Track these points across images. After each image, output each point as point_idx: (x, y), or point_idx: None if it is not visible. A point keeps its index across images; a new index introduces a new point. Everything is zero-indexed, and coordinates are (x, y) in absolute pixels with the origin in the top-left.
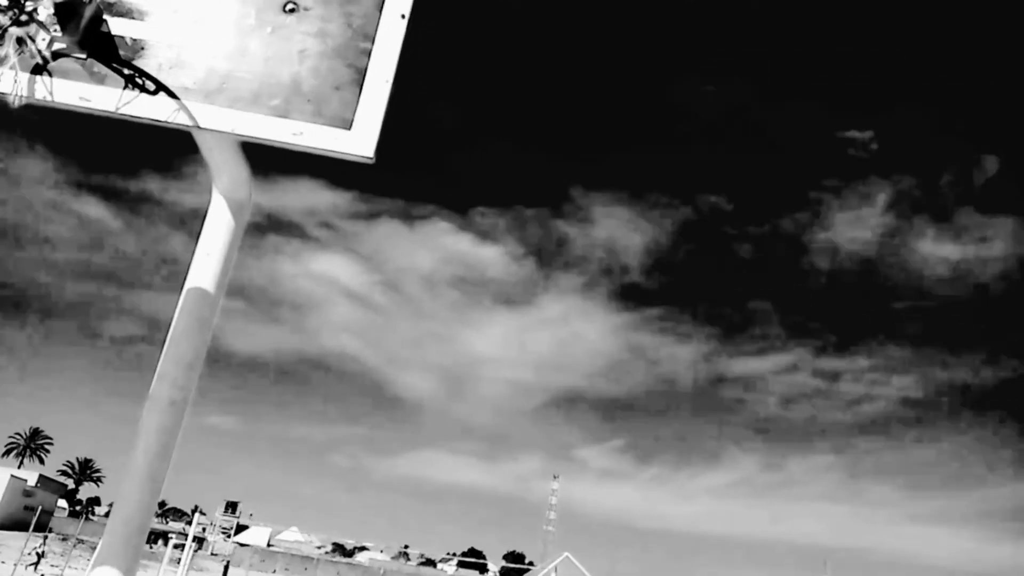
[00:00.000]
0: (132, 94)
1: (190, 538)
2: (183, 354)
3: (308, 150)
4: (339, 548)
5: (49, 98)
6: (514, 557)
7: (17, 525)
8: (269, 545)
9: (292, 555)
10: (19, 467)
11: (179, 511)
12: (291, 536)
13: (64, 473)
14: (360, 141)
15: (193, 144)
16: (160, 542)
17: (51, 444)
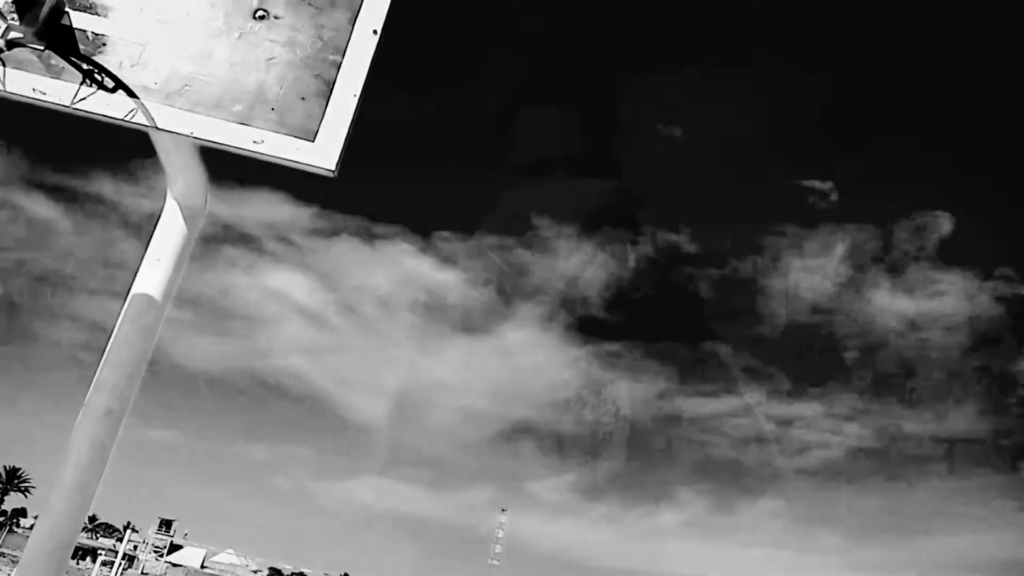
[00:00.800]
0: (89, 90)
1: (120, 556)
2: (124, 362)
3: (268, 159)
4: (276, 573)
5: (1, 88)
6: None
7: None
8: (203, 567)
9: None
10: None
11: (110, 527)
12: (226, 559)
13: None
14: (323, 153)
15: (150, 146)
16: (88, 559)
17: None
